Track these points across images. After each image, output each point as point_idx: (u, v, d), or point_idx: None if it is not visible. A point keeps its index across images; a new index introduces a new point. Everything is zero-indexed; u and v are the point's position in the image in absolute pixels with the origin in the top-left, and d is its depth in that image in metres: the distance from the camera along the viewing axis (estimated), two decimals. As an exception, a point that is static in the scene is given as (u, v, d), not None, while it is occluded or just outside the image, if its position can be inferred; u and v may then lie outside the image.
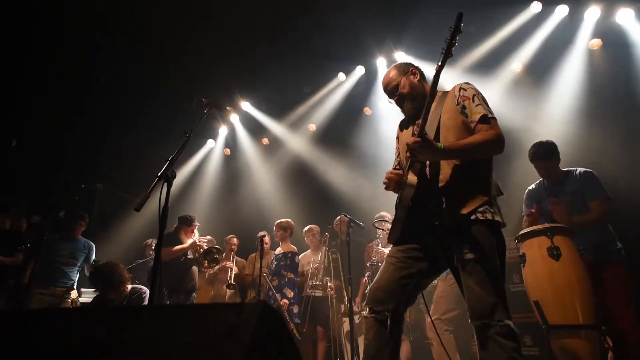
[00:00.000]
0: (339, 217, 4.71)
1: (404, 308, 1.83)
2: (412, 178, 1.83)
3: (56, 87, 5.80)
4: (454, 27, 1.72)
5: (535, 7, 5.19)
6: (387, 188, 2.00)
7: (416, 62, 6.39)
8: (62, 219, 4.46)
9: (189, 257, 4.28)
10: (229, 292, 4.76)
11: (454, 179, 1.82)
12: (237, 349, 0.73)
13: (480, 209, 1.74)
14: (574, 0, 5.06)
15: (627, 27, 4.95)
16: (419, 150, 1.73)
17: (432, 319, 3.40)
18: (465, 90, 1.92)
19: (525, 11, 5.25)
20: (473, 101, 1.87)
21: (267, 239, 4.84)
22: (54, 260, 4.37)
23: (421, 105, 1.99)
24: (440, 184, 1.83)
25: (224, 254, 4.73)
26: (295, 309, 4.31)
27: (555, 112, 5.05)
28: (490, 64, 5.57)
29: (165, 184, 2.05)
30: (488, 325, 1.58)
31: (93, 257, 4.69)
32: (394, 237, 1.94)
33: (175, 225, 4.36)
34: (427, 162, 1.88)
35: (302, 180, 6.82)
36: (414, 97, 2.02)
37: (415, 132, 1.85)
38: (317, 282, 4.50)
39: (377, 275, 1.92)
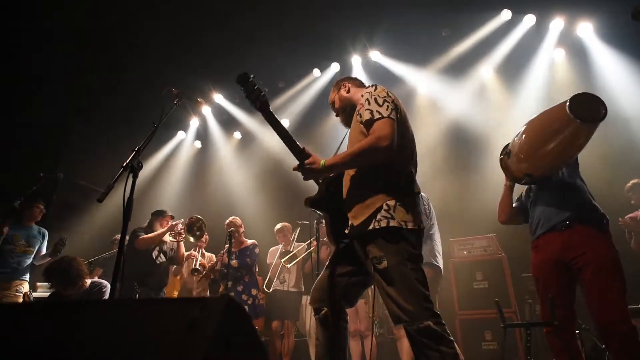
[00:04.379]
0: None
1: (338, 304, 1.85)
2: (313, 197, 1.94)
3: (15, 69, 5.48)
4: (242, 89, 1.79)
5: (506, 15, 5.43)
6: None
7: (390, 62, 6.35)
8: (17, 210, 4.20)
9: (162, 259, 4.10)
10: (196, 283, 4.66)
11: (351, 190, 1.84)
12: (199, 343, 0.72)
13: (378, 217, 1.68)
14: (541, 11, 5.31)
15: (586, 40, 5.27)
16: (302, 174, 1.84)
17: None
18: (363, 96, 1.86)
19: (496, 18, 5.46)
20: (364, 106, 1.80)
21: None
22: (10, 250, 4.12)
23: (350, 114, 2.02)
24: (344, 197, 1.88)
25: (191, 249, 4.63)
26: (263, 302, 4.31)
27: (523, 114, 5.27)
28: (462, 66, 5.71)
29: (131, 175, 1.99)
30: (410, 328, 1.58)
31: (45, 245, 4.42)
32: (333, 245, 2.00)
33: (148, 220, 4.24)
34: (336, 177, 1.94)
35: (273, 175, 6.77)
36: (343, 109, 2.11)
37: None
38: (283, 276, 4.49)
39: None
